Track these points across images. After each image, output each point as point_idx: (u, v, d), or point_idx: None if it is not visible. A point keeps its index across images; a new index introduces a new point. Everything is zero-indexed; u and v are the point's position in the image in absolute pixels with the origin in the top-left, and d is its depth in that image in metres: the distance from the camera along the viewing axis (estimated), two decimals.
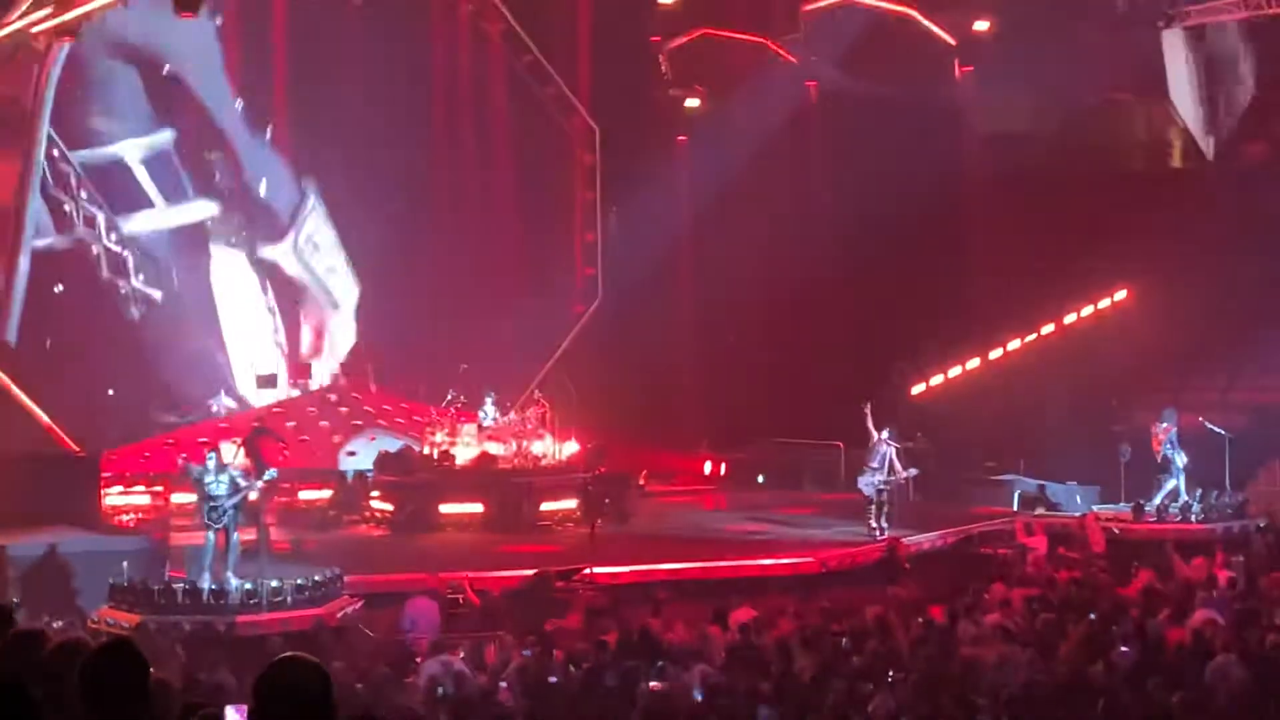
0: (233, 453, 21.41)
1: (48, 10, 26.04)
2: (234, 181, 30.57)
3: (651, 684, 13.60)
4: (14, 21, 26.13)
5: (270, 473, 20.59)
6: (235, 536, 18.77)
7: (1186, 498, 24.51)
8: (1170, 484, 24.72)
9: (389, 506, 26.07)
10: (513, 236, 33.04)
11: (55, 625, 17.39)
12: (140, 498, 26.06)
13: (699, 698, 13.21)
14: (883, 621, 16.39)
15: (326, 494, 26.99)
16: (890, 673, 13.64)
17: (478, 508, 25.90)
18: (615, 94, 32.62)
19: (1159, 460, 24.80)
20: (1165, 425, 24.66)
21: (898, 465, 24.55)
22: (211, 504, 18.33)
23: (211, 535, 18.44)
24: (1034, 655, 14.36)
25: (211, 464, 18.60)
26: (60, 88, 27.09)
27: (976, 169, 31.37)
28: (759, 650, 15.08)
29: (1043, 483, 27.62)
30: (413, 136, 31.45)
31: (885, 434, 24.54)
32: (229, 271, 30.67)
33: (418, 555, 22.96)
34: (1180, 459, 24.55)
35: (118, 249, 28.62)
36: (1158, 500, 24.67)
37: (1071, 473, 27.39)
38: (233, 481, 18.50)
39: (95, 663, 4.67)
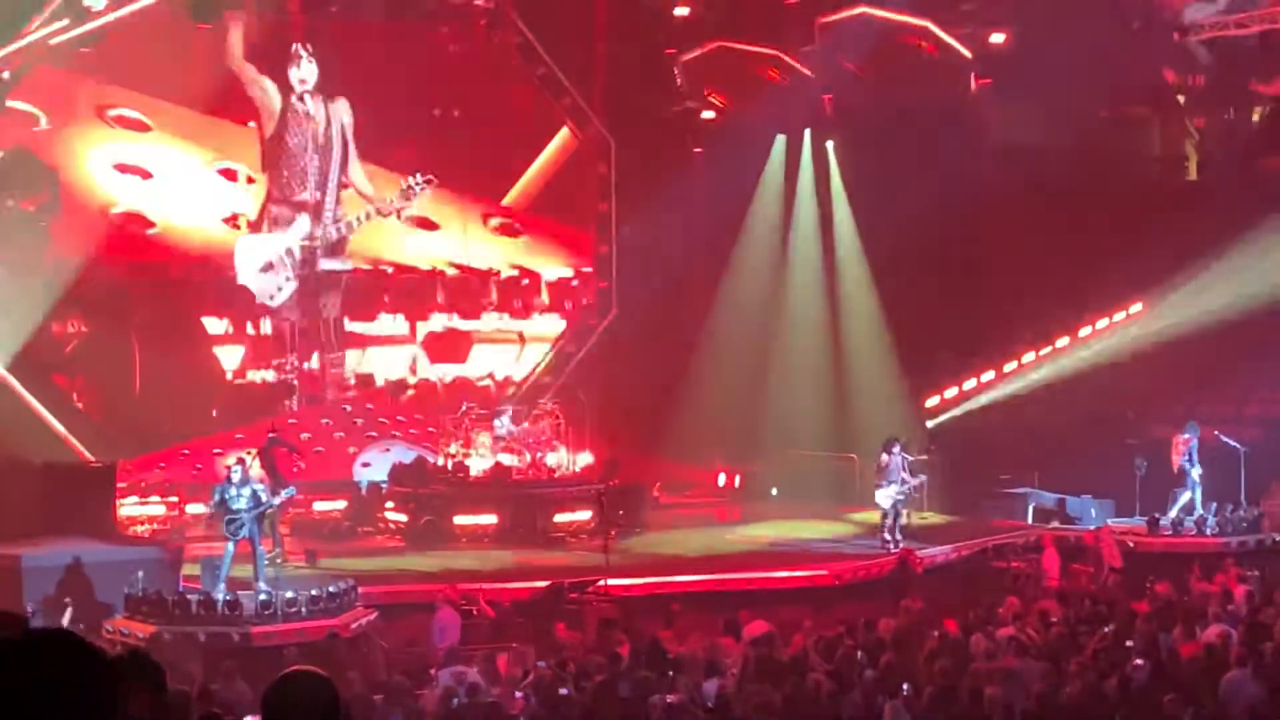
0: (248, 462, 21.47)
1: (64, 22, 26.23)
2: None
3: (666, 697, 13.60)
4: (32, 33, 26.32)
5: (289, 490, 20.74)
6: (261, 548, 18.97)
7: (1202, 511, 24.47)
8: (1185, 497, 24.70)
9: (403, 518, 26.12)
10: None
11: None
12: (155, 508, 26.15)
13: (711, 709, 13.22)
14: (898, 634, 16.39)
15: (341, 505, 27.07)
16: (905, 685, 13.62)
17: (492, 519, 25.93)
18: (630, 106, 32.68)
19: (1176, 473, 24.78)
20: (1186, 437, 24.63)
21: (907, 475, 24.59)
22: (231, 517, 18.48)
23: (231, 546, 18.58)
24: (1048, 669, 14.34)
25: (236, 477, 18.76)
26: None
27: (991, 181, 31.33)
28: (773, 663, 15.07)
29: (1058, 496, 27.59)
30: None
31: (896, 448, 24.56)
32: None
33: (432, 567, 22.99)
34: (1196, 472, 24.53)
35: None
36: (1173, 514, 24.64)
37: (1087, 486, 27.35)
38: (254, 495, 18.66)
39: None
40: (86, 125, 30.34)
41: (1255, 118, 33.69)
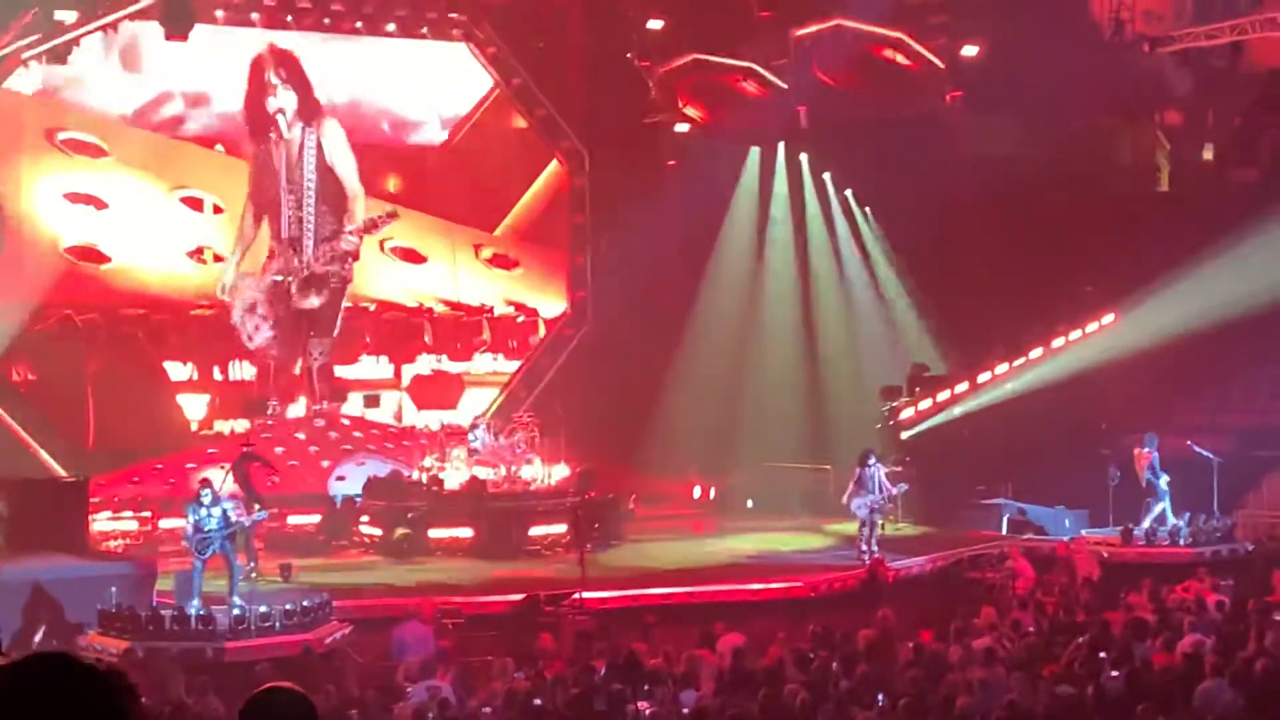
0: (220, 478, 21.37)
1: (36, 36, 26.08)
2: None
3: (641, 705, 13.60)
4: (3, 47, 26.14)
5: (261, 513, 20.65)
6: (237, 564, 18.92)
7: (1175, 521, 24.53)
8: (1158, 507, 24.76)
9: (378, 532, 26.02)
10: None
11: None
12: (128, 523, 25.95)
13: None
14: (872, 645, 16.41)
15: (315, 519, 26.94)
16: (880, 696, 13.64)
17: (467, 532, 25.86)
18: (605, 118, 32.70)
19: (1144, 485, 24.86)
20: (1146, 451, 24.72)
21: (887, 484, 24.65)
22: (201, 536, 18.42)
23: (200, 563, 18.53)
24: (1022, 679, 14.36)
25: (206, 498, 18.69)
26: None
27: (964, 192, 31.44)
28: (749, 674, 15.07)
29: (1031, 507, 27.65)
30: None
31: (872, 460, 24.61)
32: None
33: (407, 581, 22.92)
34: (1164, 481, 24.57)
35: None
36: (1146, 524, 24.71)
37: (1060, 497, 27.43)
38: (224, 516, 18.60)
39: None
40: (34, 150, 28.43)
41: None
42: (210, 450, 27.81)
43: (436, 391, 31.60)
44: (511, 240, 33.19)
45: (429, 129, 32.62)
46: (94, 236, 28.87)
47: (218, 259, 29.82)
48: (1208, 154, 33.67)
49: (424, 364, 31.79)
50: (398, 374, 31.61)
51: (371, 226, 29.52)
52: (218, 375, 30.02)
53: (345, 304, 30.69)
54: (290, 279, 29.48)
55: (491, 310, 32.59)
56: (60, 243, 28.59)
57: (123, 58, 29.08)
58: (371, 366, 31.37)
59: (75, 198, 28.83)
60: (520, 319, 32.92)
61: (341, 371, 30.95)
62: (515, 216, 33.17)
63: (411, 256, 31.90)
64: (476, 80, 32.54)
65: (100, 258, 28.96)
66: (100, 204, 28.97)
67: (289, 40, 30.18)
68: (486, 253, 32.96)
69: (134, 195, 29.29)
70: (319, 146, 29.92)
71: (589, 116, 32.91)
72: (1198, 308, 28.56)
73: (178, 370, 29.74)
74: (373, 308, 31.47)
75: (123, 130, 29.25)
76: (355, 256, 30.01)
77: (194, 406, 29.66)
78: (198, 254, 29.91)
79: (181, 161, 30.00)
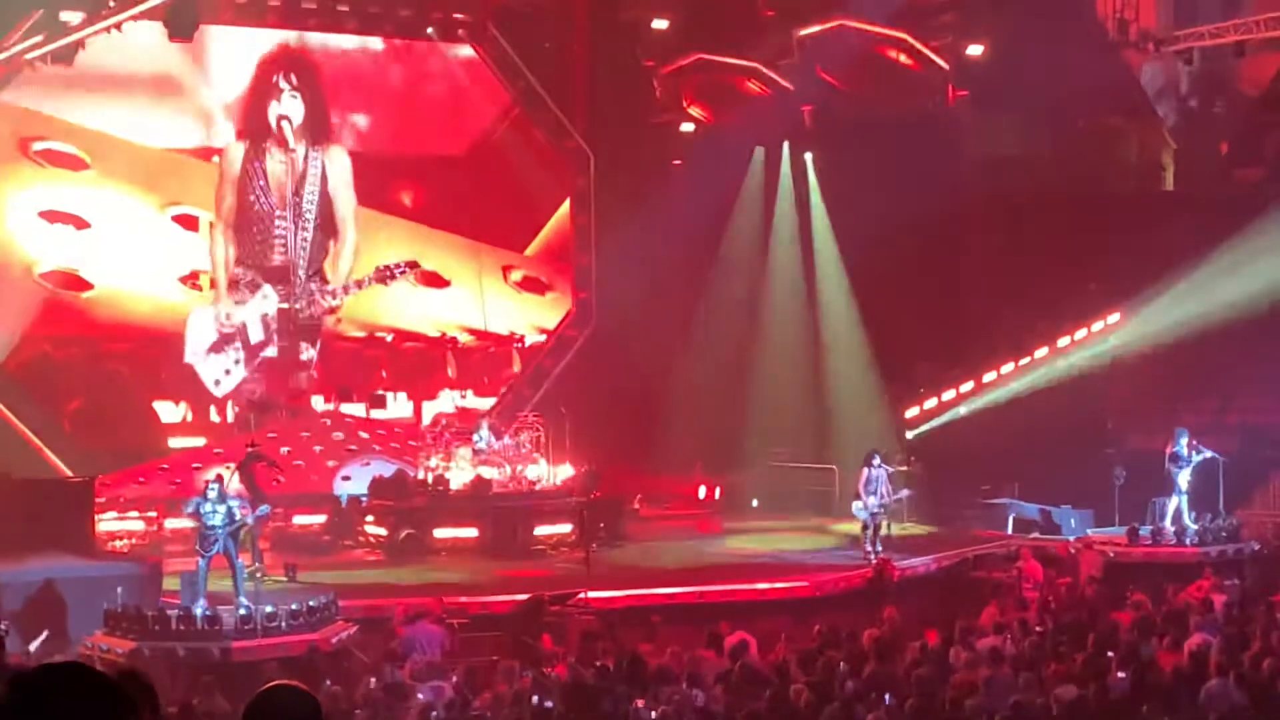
0: (227, 478, 21.37)
1: (39, 38, 25.99)
2: None
3: (645, 706, 13.59)
4: (9, 49, 26.07)
5: (264, 509, 20.66)
6: (240, 562, 18.95)
7: (1188, 522, 24.26)
8: (1172, 504, 24.55)
9: (383, 531, 26.03)
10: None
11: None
12: (134, 523, 25.92)
13: None
14: (879, 645, 16.40)
15: (321, 519, 26.94)
16: (886, 696, 13.63)
17: (472, 532, 25.88)
18: (610, 118, 32.68)
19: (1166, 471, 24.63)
20: (1171, 445, 24.55)
21: (888, 488, 24.62)
22: (206, 533, 18.46)
23: (204, 562, 18.57)
24: (1029, 679, 14.36)
25: (213, 494, 18.72)
26: None
27: (969, 192, 31.44)
28: (754, 674, 15.06)
29: (1038, 506, 27.65)
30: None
31: (876, 460, 24.61)
32: None
33: (412, 580, 22.93)
34: (1181, 479, 24.34)
35: None
36: (1168, 524, 24.43)
37: (1066, 496, 27.42)
38: (229, 512, 18.64)
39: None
40: (7, 163, 26.25)
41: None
42: (216, 450, 27.74)
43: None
44: (544, 262, 31.44)
45: (449, 139, 31.09)
46: (74, 260, 26.57)
47: (214, 285, 27.68)
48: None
49: (447, 400, 29.88)
50: (418, 412, 29.67)
51: (387, 276, 27.45)
52: (214, 417, 28.08)
53: (358, 334, 29.32)
54: (300, 306, 27.75)
55: (522, 339, 30.79)
56: (35, 267, 26.40)
57: (114, 60, 26.92)
58: (389, 404, 29.44)
59: (53, 216, 26.59)
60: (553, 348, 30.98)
61: (355, 410, 29.33)
62: (547, 235, 31.49)
63: (433, 280, 29.88)
64: (498, 89, 31.59)
65: (81, 284, 26.64)
66: (81, 223, 26.71)
67: (300, 42, 29.45)
68: (516, 275, 31.15)
69: (119, 213, 27.00)
70: (323, 173, 28.26)
71: (594, 116, 32.87)
72: (1203, 307, 28.56)
73: (169, 411, 27.64)
74: (390, 337, 29.66)
75: (107, 140, 27.03)
76: (337, 309, 28.24)
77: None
78: (192, 279, 27.67)
79: (173, 175, 27.87)
